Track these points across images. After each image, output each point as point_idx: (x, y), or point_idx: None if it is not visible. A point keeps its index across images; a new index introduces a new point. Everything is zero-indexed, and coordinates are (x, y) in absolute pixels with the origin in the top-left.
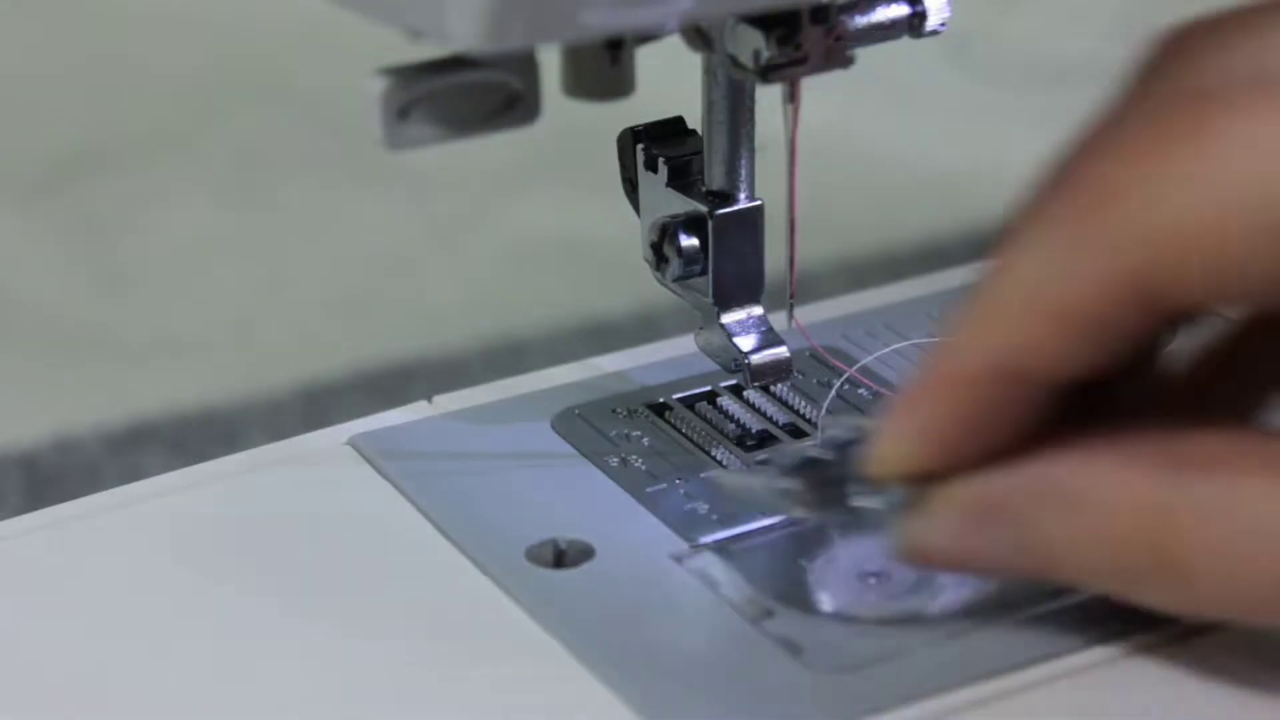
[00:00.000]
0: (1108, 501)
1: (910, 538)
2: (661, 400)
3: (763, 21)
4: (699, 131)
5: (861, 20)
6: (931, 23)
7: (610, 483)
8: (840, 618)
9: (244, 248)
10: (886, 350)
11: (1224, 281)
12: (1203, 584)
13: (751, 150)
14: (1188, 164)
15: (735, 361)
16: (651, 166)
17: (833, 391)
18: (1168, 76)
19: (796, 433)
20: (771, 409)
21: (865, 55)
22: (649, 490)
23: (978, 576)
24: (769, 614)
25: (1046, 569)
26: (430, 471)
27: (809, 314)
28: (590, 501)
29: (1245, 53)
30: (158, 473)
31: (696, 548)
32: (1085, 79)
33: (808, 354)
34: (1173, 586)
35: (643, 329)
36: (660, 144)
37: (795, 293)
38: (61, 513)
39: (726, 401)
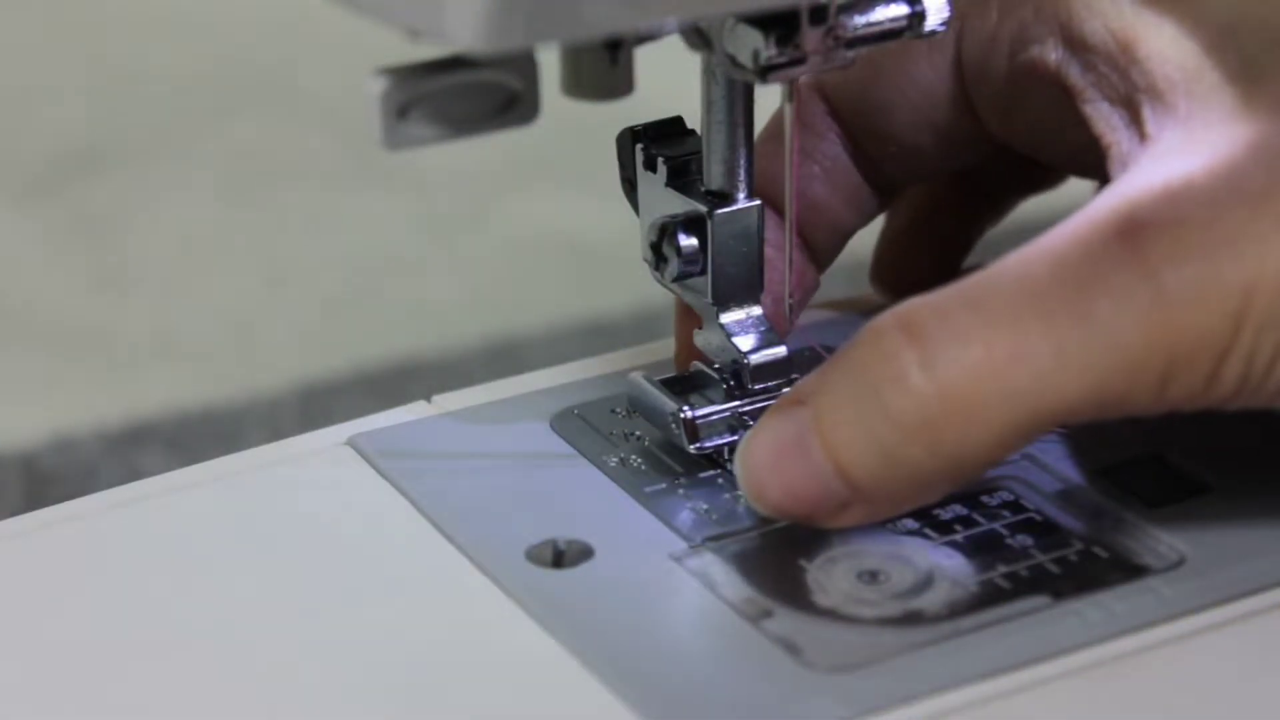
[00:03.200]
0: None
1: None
2: None
3: (762, 22)
4: (698, 131)
5: (860, 20)
6: (930, 23)
7: (610, 483)
8: (840, 618)
9: (244, 248)
10: None
11: None
12: None
13: (751, 150)
14: None
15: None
16: (651, 166)
17: None
18: None
19: None
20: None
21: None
22: (648, 490)
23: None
24: (768, 614)
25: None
26: (430, 471)
27: (809, 314)
28: (590, 501)
29: None
30: (157, 473)
31: (696, 548)
32: None
33: (807, 354)
34: None
35: (642, 329)
36: (659, 144)
37: (795, 292)
38: (61, 513)
39: None
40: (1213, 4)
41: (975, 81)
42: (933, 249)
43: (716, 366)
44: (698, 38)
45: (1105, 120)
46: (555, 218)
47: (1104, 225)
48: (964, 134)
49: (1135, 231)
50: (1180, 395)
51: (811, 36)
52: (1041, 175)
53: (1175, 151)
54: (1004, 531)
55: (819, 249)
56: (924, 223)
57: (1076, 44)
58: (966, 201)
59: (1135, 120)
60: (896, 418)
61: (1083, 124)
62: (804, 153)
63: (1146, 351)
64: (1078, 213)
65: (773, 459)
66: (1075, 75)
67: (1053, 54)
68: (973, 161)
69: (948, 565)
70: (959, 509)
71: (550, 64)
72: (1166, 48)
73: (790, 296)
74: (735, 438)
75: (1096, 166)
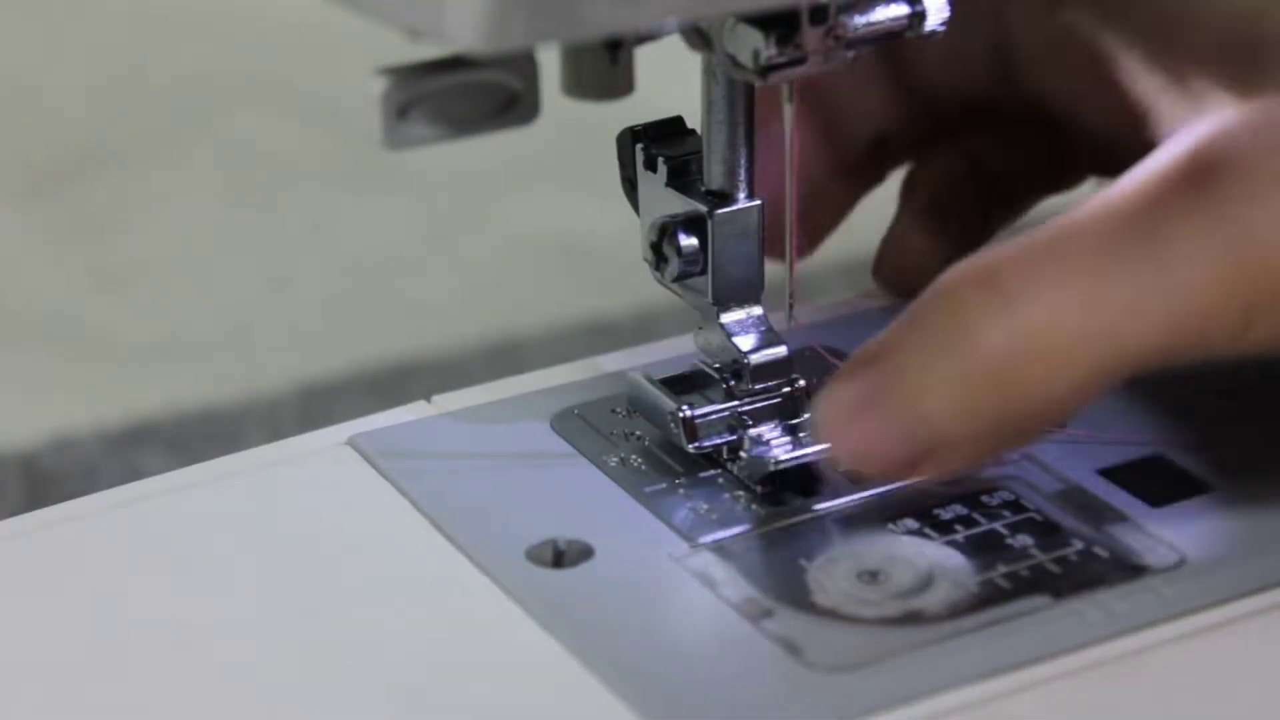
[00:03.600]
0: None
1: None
2: None
3: (762, 21)
4: (698, 131)
5: (861, 20)
6: (931, 23)
7: (610, 483)
8: (840, 618)
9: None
10: None
11: None
12: None
13: (751, 150)
14: None
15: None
16: (651, 166)
17: None
18: None
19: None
20: None
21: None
22: (648, 490)
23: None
24: (768, 614)
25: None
26: (430, 471)
27: (809, 314)
28: (590, 501)
29: None
30: (158, 473)
31: (696, 548)
32: None
33: (807, 354)
34: None
35: (642, 329)
36: (660, 144)
37: (795, 292)
38: (61, 513)
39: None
40: None
41: (1014, 37)
42: (941, 246)
43: (716, 366)
44: (698, 38)
45: (1146, 81)
46: (555, 218)
47: (1177, 166)
48: (997, 88)
49: (1207, 171)
50: (1262, 338)
51: (812, 36)
52: (1059, 176)
53: (1230, 103)
54: (1004, 531)
55: (845, 154)
56: (933, 218)
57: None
58: (979, 198)
59: (1181, 82)
60: (978, 364)
61: (1118, 87)
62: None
63: (1224, 294)
64: (1151, 156)
65: (849, 416)
66: (1110, 38)
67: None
68: (996, 125)
69: (948, 565)
70: (959, 509)
71: (550, 64)
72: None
73: (790, 297)
74: (734, 437)
75: (1130, 134)
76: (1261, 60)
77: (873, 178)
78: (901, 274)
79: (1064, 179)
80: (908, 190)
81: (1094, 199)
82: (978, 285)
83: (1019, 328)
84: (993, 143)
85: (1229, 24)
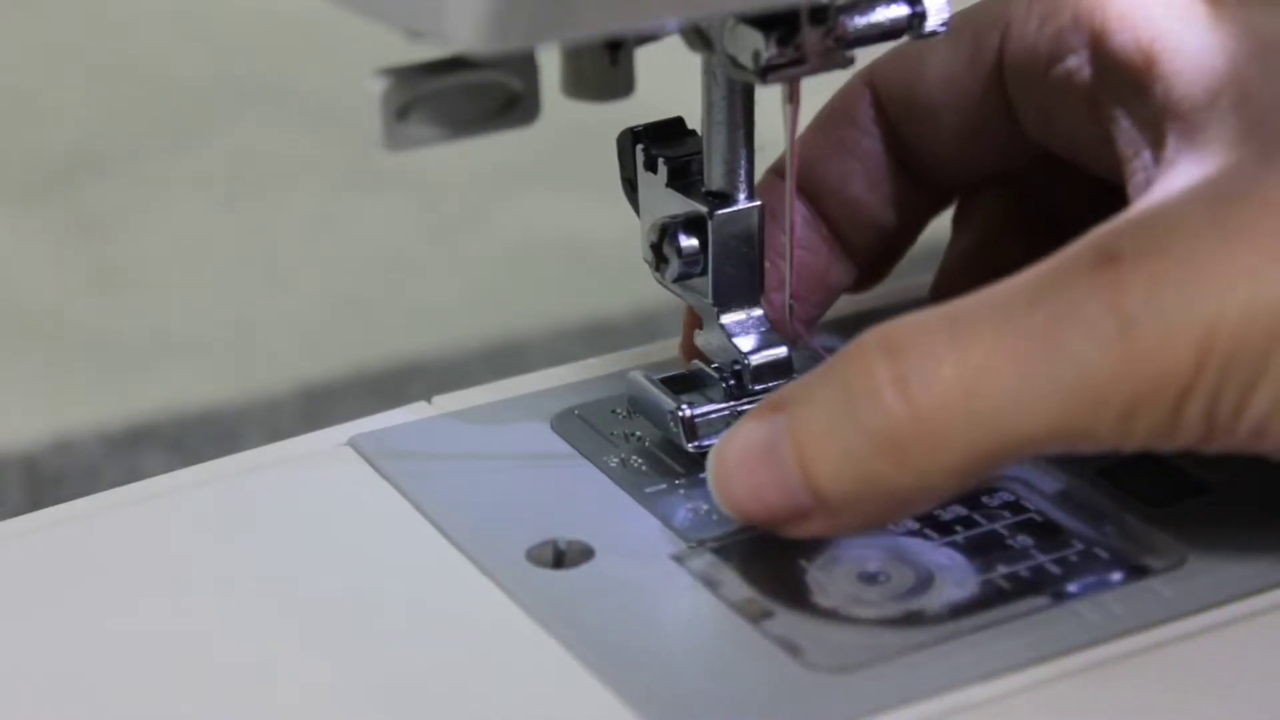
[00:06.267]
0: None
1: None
2: None
3: (762, 22)
4: (699, 132)
5: (861, 20)
6: (931, 23)
7: (610, 483)
8: (840, 618)
9: (244, 248)
10: None
11: None
12: None
13: (751, 151)
14: None
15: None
16: (651, 167)
17: None
18: None
19: None
20: None
21: (863, 50)
22: (649, 490)
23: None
24: (768, 614)
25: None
26: (430, 471)
27: (809, 314)
28: (590, 502)
29: None
30: (158, 473)
31: (696, 548)
32: None
33: (807, 354)
34: None
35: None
36: (660, 144)
37: (795, 293)
38: (61, 513)
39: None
40: (1258, 17)
41: (1016, 89)
42: (996, 274)
43: (716, 366)
44: (698, 38)
45: (1129, 142)
46: (555, 218)
47: (1083, 253)
48: (1007, 140)
49: (1111, 262)
50: (1146, 432)
51: (812, 37)
52: (1109, 199)
53: (1182, 177)
54: (1004, 532)
55: (855, 247)
56: (988, 246)
57: (1105, 58)
58: (1032, 226)
59: (1158, 143)
60: (868, 434)
61: (1113, 142)
62: (846, 148)
63: (1111, 384)
64: (1070, 242)
65: (744, 461)
66: (1102, 92)
67: (1085, 68)
68: (1017, 167)
69: (948, 566)
70: (959, 509)
71: (550, 64)
72: (1193, 64)
73: (791, 299)
74: None
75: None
76: (1222, 116)
77: (894, 258)
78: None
79: (1115, 203)
80: (958, 223)
81: (1011, 276)
82: (884, 350)
83: (911, 400)
84: (1035, 180)
85: (1210, 70)
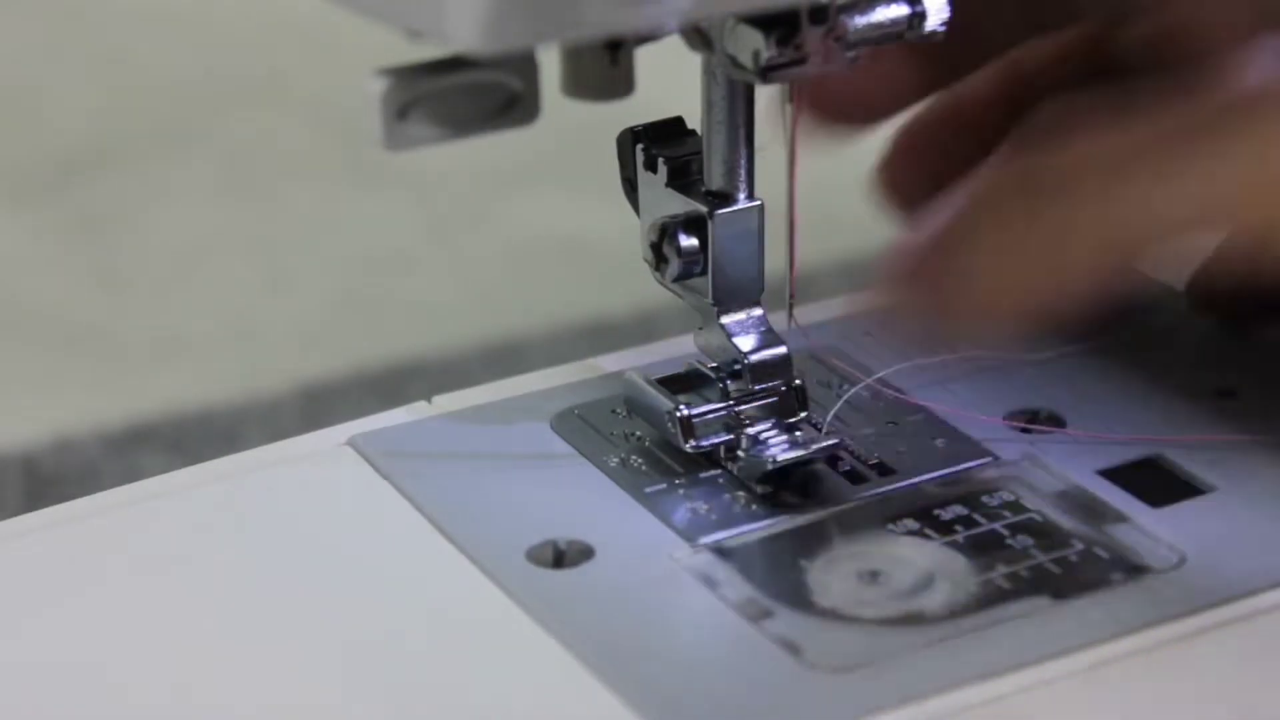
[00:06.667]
0: None
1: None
2: None
3: (762, 22)
4: (699, 131)
5: (861, 20)
6: (931, 23)
7: (610, 483)
8: (840, 618)
9: (244, 248)
10: (905, 365)
11: None
12: None
13: (751, 150)
14: None
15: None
16: (651, 167)
17: (841, 399)
18: None
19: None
20: None
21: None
22: (649, 490)
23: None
24: (768, 614)
25: None
26: (430, 471)
27: (809, 314)
28: (590, 501)
29: None
30: (158, 473)
31: (696, 548)
32: None
33: (807, 354)
34: None
35: (643, 329)
36: (660, 144)
37: (795, 292)
38: (61, 513)
39: None
40: None
41: None
42: (960, 151)
43: (713, 365)
44: (698, 38)
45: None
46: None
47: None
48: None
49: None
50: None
51: (812, 37)
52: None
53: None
54: (1004, 532)
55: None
56: (959, 114)
57: None
58: (1013, 104)
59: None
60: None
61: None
62: None
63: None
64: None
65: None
66: None
67: None
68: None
69: (948, 566)
70: (959, 509)
71: (550, 64)
72: None
73: (791, 297)
74: (731, 437)
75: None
76: None
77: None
78: (907, 176)
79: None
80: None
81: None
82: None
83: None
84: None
85: None
